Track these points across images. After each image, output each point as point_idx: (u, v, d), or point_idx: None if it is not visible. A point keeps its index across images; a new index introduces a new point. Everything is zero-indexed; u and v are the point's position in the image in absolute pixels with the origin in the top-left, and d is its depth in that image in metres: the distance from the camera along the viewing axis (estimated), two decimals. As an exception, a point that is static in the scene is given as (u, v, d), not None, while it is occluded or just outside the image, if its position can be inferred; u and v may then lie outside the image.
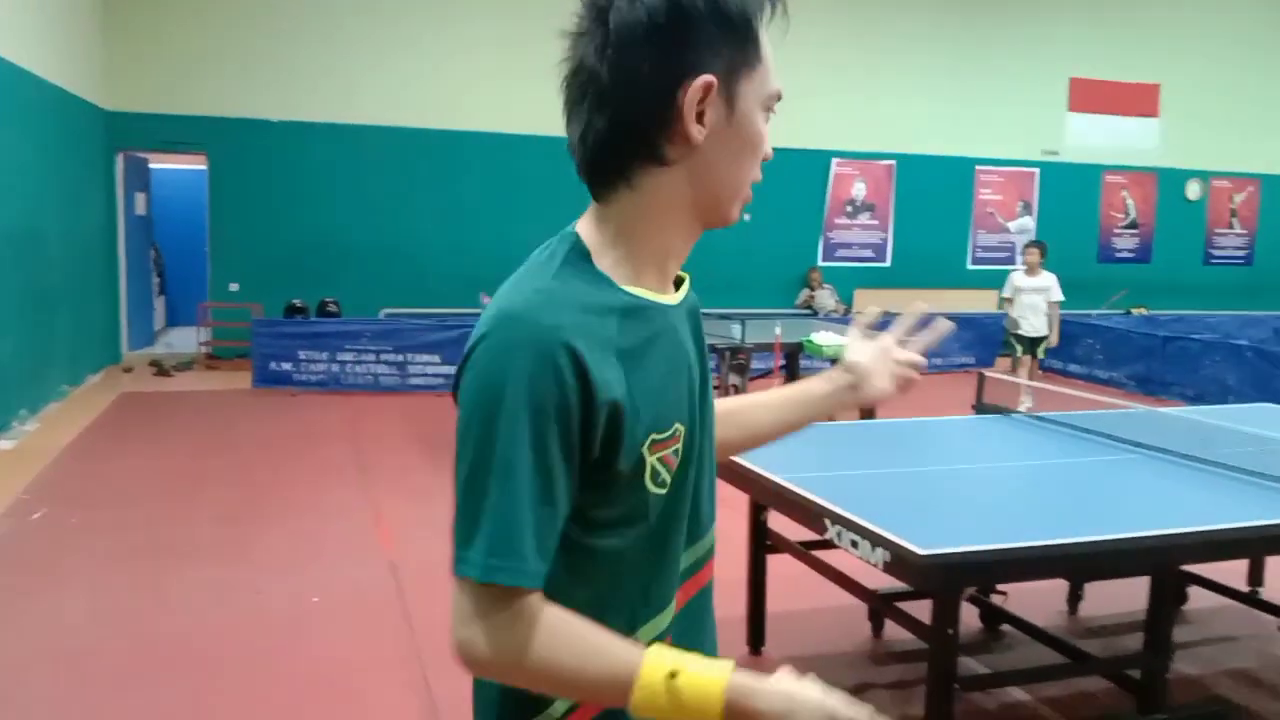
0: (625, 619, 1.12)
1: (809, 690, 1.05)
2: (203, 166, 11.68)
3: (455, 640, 1.04)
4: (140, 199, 12.08)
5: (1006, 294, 9.40)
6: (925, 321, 1.61)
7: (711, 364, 1.48)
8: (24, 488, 6.13)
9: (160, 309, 13.79)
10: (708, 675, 1.03)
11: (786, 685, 1.05)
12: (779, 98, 1.17)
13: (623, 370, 1.06)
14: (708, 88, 1.08)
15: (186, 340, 12.27)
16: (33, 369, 8.12)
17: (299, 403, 9.22)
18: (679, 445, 1.12)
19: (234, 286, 11.58)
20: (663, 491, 1.11)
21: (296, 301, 11.28)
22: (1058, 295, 9.15)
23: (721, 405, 1.42)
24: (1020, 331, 9.30)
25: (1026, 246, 9.62)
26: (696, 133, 1.09)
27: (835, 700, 1.04)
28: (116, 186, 11.26)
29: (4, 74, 7.60)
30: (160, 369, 10.66)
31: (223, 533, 5.42)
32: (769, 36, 1.15)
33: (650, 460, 1.08)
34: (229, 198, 11.47)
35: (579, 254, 1.11)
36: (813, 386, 1.49)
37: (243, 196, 11.45)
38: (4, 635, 4.06)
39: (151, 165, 12.67)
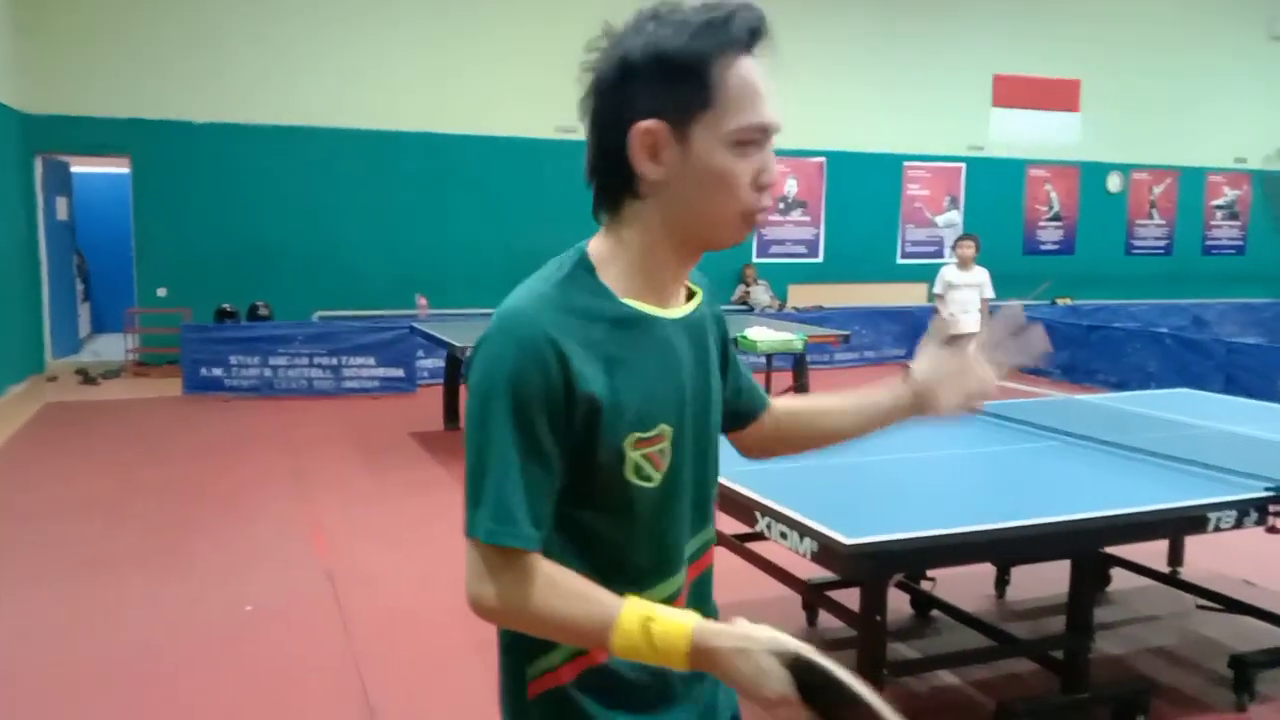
0: (620, 587, 1.24)
1: (762, 629, 1.18)
2: (126, 170, 11.44)
3: (469, 593, 1.22)
4: (61, 203, 11.80)
5: (939, 290, 8.62)
6: (1014, 329, 1.63)
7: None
8: (-56, 502, 5.98)
9: (85, 316, 13.48)
10: (677, 621, 1.18)
11: (743, 627, 1.18)
12: (762, 130, 1.23)
13: (605, 371, 1.22)
14: (646, 133, 1.22)
15: (113, 347, 12.00)
16: (-49, 380, 7.89)
17: (231, 409, 9.08)
18: (665, 445, 1.27)
19: (162, 292, 11.35)
20: (650, 485, 1.26)
21: (227, 306, 11.10)
22: (990, 292, 8.52)
23: (788, 404, 1.61)
24: (955, 331, 7.97)
25: (960, 240, 8.73)
26: (650, 171, 1.23)
27: (785, 637, 1.16)
28: (36, 191, 10.98)
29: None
30: (87, 377, 10.43)
31: (154, 544, 5.33)
32: (751, 70, 1.23)
33: (633, 456, 1.24)
34: (154, 201, 11.23)
35: (583, 267, 1.27)
36: (878, 397, 1.57)
37: (169, 199, 11.22)
38: (-74, 653, 3.96)
39: (73, 169, 12.38)
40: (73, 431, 8.09)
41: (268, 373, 9.71)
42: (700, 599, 1.39)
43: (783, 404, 1.62)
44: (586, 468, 1.23)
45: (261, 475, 6.72)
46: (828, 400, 1.59)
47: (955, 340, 1.65)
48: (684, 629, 1.17)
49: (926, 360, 1.57)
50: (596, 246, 1.29)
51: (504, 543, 1.19)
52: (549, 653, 1.30)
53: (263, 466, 6.95)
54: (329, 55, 11.51)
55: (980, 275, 8.56)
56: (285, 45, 11.38)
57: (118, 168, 12.06)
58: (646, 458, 1.25)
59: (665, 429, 1.26)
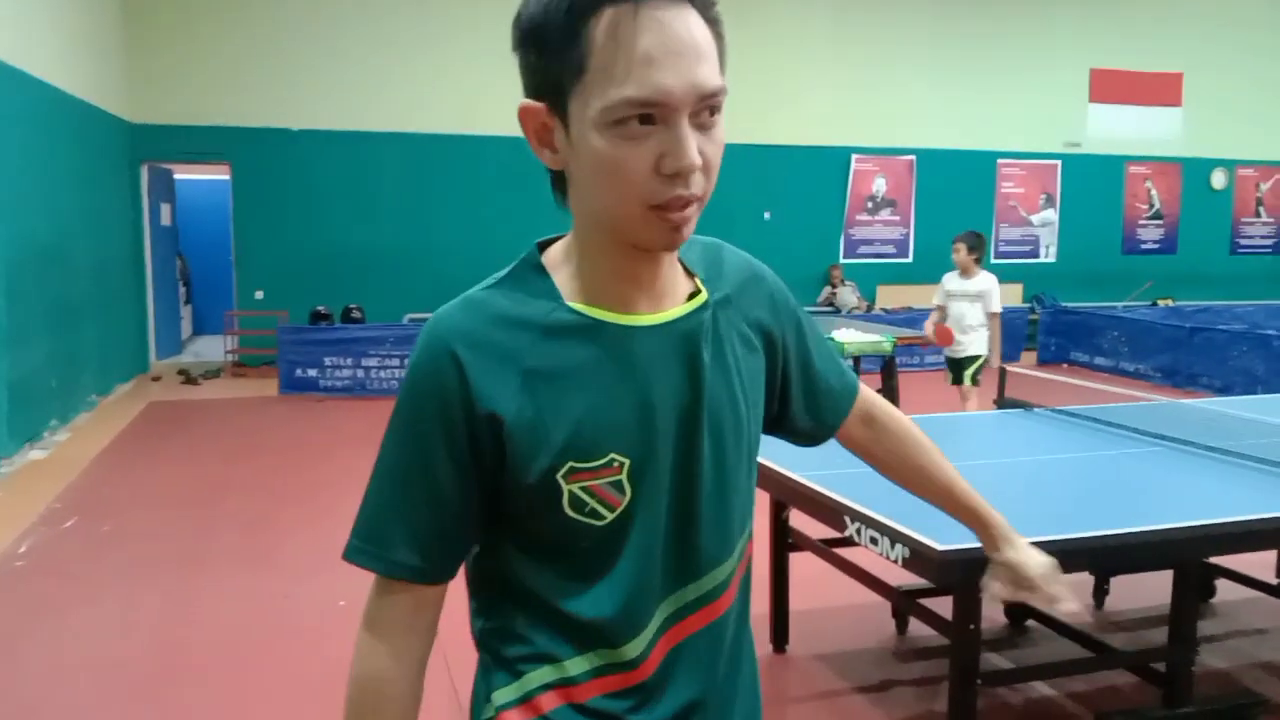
0: (568, 639, 1.11)
1: None
2: (226, 176, 11.80)
3: None
4: (165, 210, 12.22)
5: (937, 300, 7.37)
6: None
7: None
8: (55, 496, 6.22)
9: (187, 318, 13.94)
10: None
11: None
12: (640, 105, 0.96)
13: (522, 386, 1.05)
14: (526, 114, 1.05)
15: (213, 349, 12.39)
16: (63, 380, 8.23)
17: (324, 408, 9.29)
18: (620, 478, 1.07)
19: (259, 294, 11.69)
20: (598, 523, 1.07)
21: (321, 308, 11.37)
22: (995, 305, 7.14)
23: (910, 432, 1.44)
24: (953, 354, 7.27)
25: (955, 241, 7.33)
26: (546, 159, 1.07)
27: None
28: (142, 198, 11.40)
29: (31, 90, 7.71)
30: (188, 377, 10.77)
31: (250, 539, 5.48)
32: (629, 26, 0.96)
33: (569, 489, 1.06)
34: (253, 206, 11.58)
35: (528, 265, 1.12)
36: (969, 507, 1.46)
37: (266, 205, 11.56)
38: (36, 643, 4.13)
39: (176, 176, 12.81)
40: (174, 430, 8.36)
41: (360, 373, 9.91)
42: (689, 666, 1.14)
43: (889, 417, 1.43)
44: (513, 497, 1.08)
45: (353, 474, 6.81)
46: (950, 475, 1.44)
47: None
48: None
49: (1019, 555, 1.47)
50: (559, 243, 1.14)
51: (361, 562, 1.09)
52: (507, 684, 1.15)
53: (354, 465, 7.05)
54: (416, 62, 11.70)
55: (982, 283, 7.16)
56: (376, 54, 11.62)
57: (218, 174, 12.45)
58: (589, 491, 1.06)
59: (618, 459, 1.06)
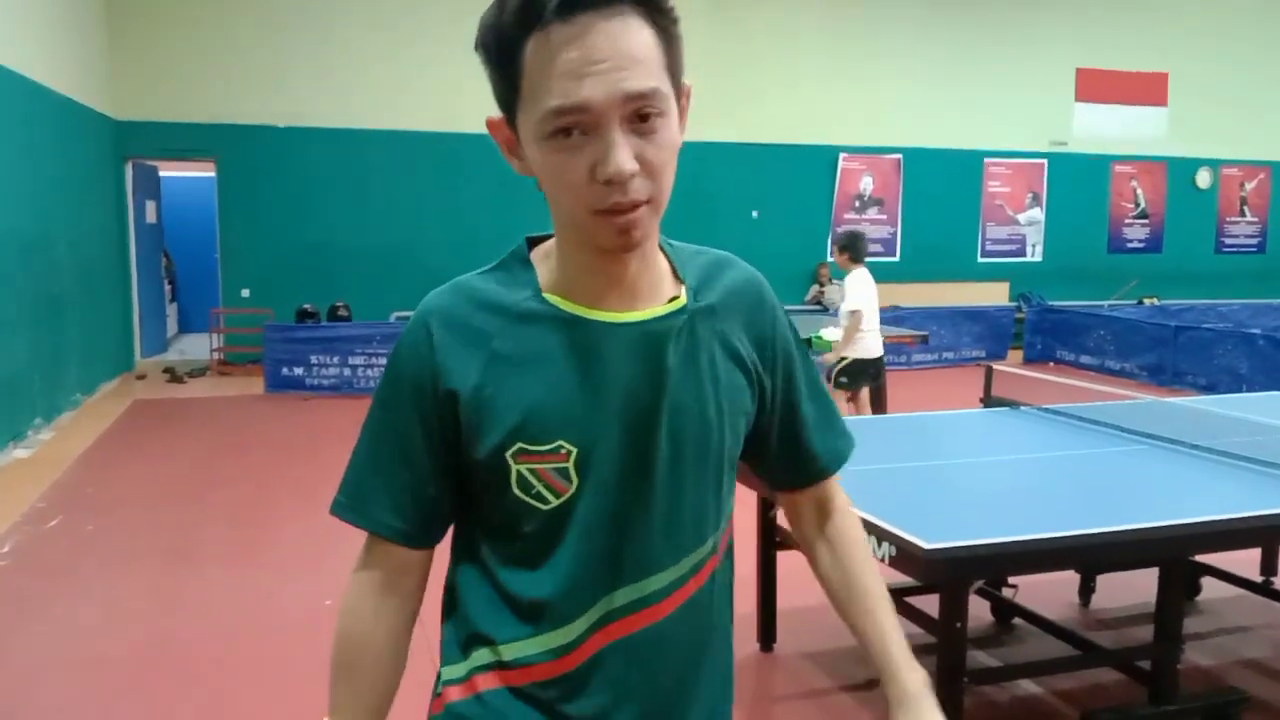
0: (508, 619, 1.15)
1: None
2: (211, 173, 11.74)
3: None
4: (150, 207, 12.15)
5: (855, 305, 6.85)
6: None
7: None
8: (40, 495, 6.18)
9: (173, 316, 13.88)
10: None
11: None
12: (564, 113, 1.00)
13: (486, 366, 1.10)
14: (491, 127, 1.12)
15: (199, 347, 12.34)
16: (47, 377, 8.17)
17: (311, 407, 9.26)
18: (566, 465, 1.10)
19: (245, 292, 11.64)
20: (544, 506, 1.11)
21: (307, 306, 11.32)
22: (849, 302, 6.95)
23: (840, 531, 1.34)
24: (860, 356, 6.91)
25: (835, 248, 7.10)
26: (517, 167, 1.12)
27: None
28: (127, 195, 11.34)
29: (13, 86, 7.66)
30: (173, 375, 10.72)
31: (236, 537, 5.45)
32: (555, 44, 1.00)
33: (516, 468, 1.10)
34: (238, 204, 11.53)
35: (516, 256, 1.18)
36: (883, 656, 1.29)
37: (252, 202, 11.51)
38: (20, 640, 4.10)
39: (161, 173, 12.75)
40: (159, 427, 8.31)
41: (347, 372, 9.88)
42: (625, 667, 1.14)
43: (825, 521, 1.34)
44: (469, 474, 1.14)
45: (339, 472, 6.79)
46: (880, 617, 1.30)
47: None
48: None
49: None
50: (549, 240, 1.18)
51: (346, 517, 1.18)
52: (454, 662, 1.20)
53: (341, 463, 7.01)
54: (402, 59, 11.67)
55: (847, 282, 7.04)
56: (362, 52, 11.58)
57: (204, 171, 12.39)
58: (535, 473, 1.10)
59: (566, 447, 1.09)
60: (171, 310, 13.79)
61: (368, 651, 1.19)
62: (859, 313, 6.78)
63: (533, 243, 1.20)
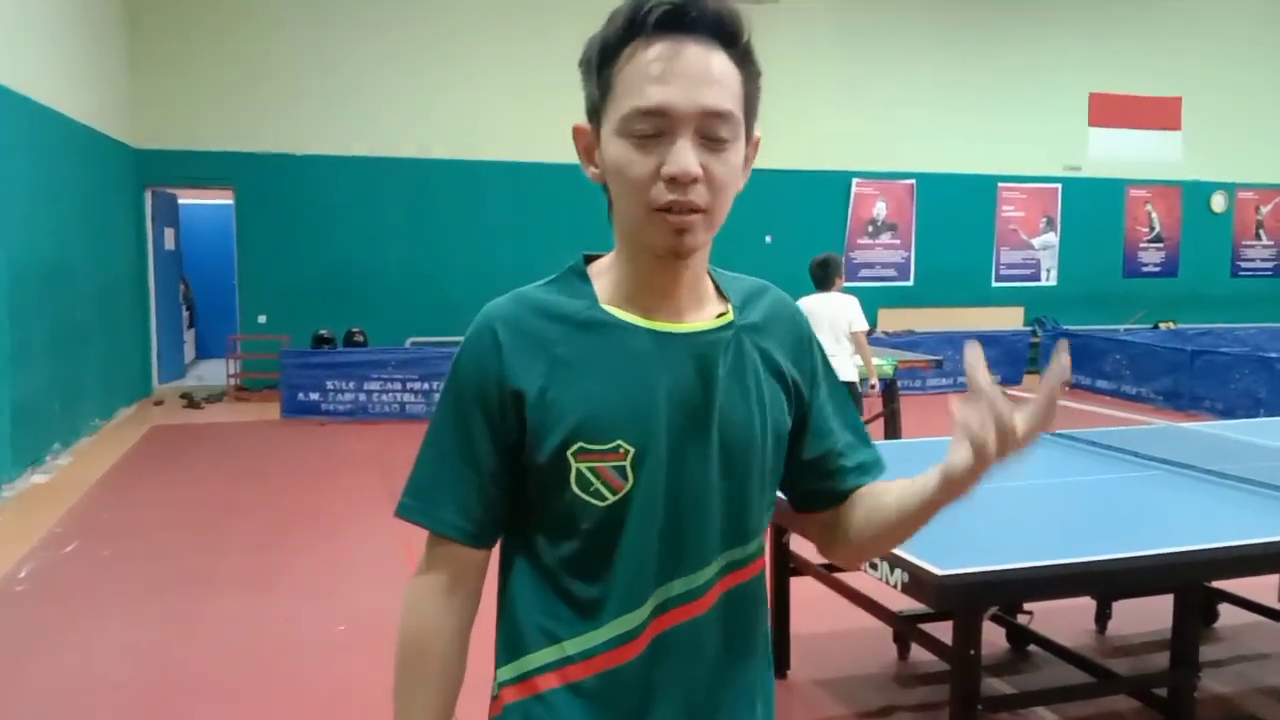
0: (569, 616, 1.20)
1: None
2: (230, 201, 11.85)
3: None
4: (169, 234, 12.26)
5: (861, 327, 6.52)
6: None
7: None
8: (57, 520, 6.22)
9: (190, 342, 13.96)
10: None
11: None
12: (645, 113, 1.10)
13: (547, 370, 1.17)
14: (576, 134, 1.22)
15: (216, 372, 12.40)
16: (65, 403, 8.24)
17: (327, 432, 9.30)
18: (624, 464, 1.16)
19: (262, 318, 11.72)
20: (601, 504, 1.17)
21: (324, 332, 11.39)
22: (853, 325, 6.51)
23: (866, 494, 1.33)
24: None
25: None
26: (588, 173, 1.22)
27: None
28: (146, 222, 11.45)
29: (36, 115, 7.76)
30: (190, 401, 10.78)
31: (252, 562, 5.47)
32: (651, 53, 1.11)
33: (577, 465, 1.16)
34: (256, 231, 11.63)
35: (574, 271, 1.26)
36: (939, 468, 1.21)
37: (269, 229, 11.61)
38: (37, 666, 4.12)
39: (180, 201, 12.87)
40: (176, 453, 8.36)
41: (362, 397, 9.92)
42: (669, 658, 1.21)
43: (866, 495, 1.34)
44: (531, 471, 1.19)
45: (355, 497, 6.85)
46: (893, 484, 1.30)
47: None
48: None
49: (962, 411, 1.13)
50: (605, 257, 1.27)
51: (413, 518, 1.22)
52: (511, 660, 1.24)
53: (356, 489, 7.10)
54: (418, 88, 11.78)
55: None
56: (379, 81, 11.69)
57: (222, 199, 12.51)
58: (595, 471, 1.17)
59: (624, 446, 1.17)
60: (189, 336, 13.88)
61: (434, 651, 1.23)
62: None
63: (589, 260, 1.28)
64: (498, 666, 1.26)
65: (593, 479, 1.17)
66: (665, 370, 1.19)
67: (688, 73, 1.10)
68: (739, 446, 1.22)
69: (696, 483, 1.20)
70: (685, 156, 1.10)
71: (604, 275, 1.24)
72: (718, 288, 1.29)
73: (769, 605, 3.50)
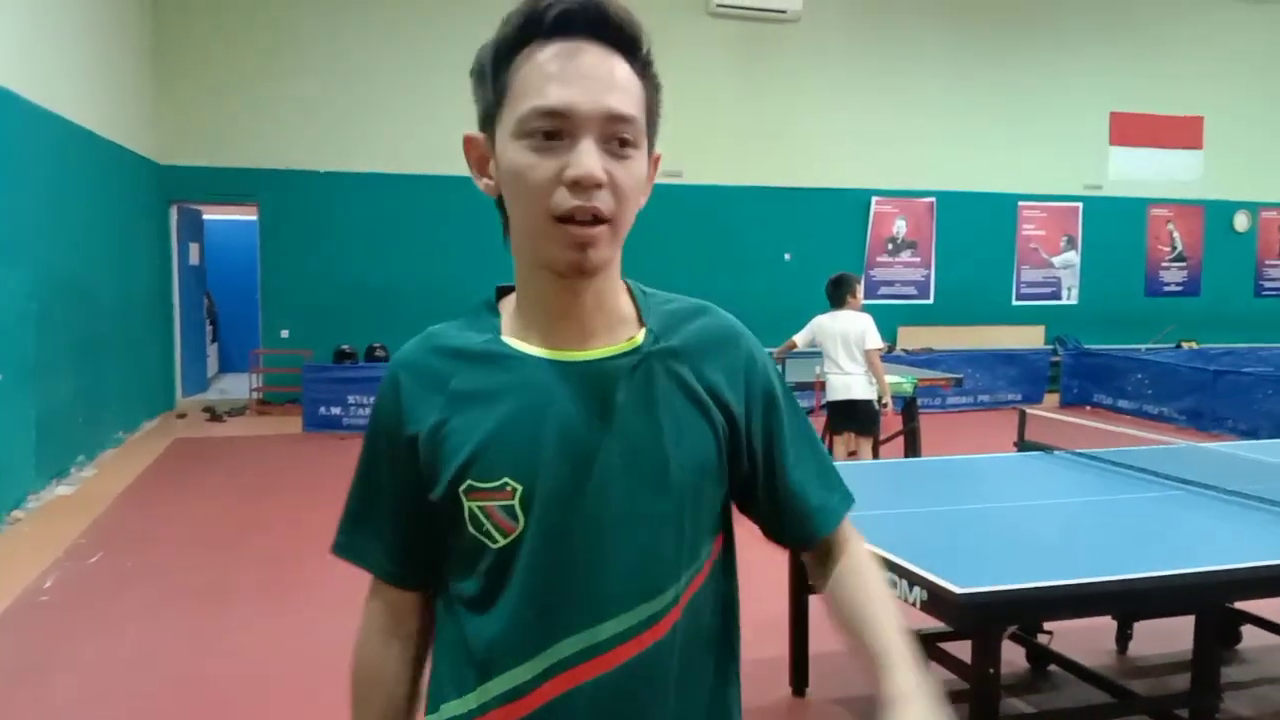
0: (465, 666, 1.14)
1: None
2: (254, 216, 11.96)
3: None
4: (194, 249, 12.38)
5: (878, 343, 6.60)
6: None
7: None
8: (81, 532, 6.28)
9: (213, 356, 14.07)
10: None
11: None
12: (545, 114, 1.04)
13: (444, 406, 1.13)
14: (467, 144, 1.17)
15: (239, 386, 12.50)
16: (90, 416, 8.32)
17: (348, 446, 9.33)
18: (512, 503, 1.09)
19: (285, 333, 11.80)
20: (493, 545, 1.11)
21: (345, 347, 11.46)
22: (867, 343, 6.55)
23: (847, 576, 1.26)
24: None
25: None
26: (481, 186, 1.17)
27: None
28: (171, 237, 11.57)
29: (62, 132, 7.87)
30: (213, 415, 10.86)
31: (272, 576, 5.51)
32: (547, 55, 1.06)
33: (468, 504, 1.11)
34: (279, 246, 11.72)
35: (483, 302, 1.22)
36: (877, 663, 1.20)
37: (292, 245, 11.70)
38: (58, 675, 4.16)
39: (204, 216, 12.99)
40: (199, 466, 8.42)
41: (383, 412, 9.95)
42: (589, 716, 1.10)
43: (842, 572, 1.27)
44: (434, 512, 1.14)
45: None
46: (877, 627, 1.23)
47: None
48: None
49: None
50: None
51: (347, 557, 1.23)
52: (429, 714, 1.20)
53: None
54: (441, 108, 11.85)
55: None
56: (401, 99, 11.79)
57: (246, 215, 12.62)
58: (485, 512, 1.10)
59: (511, 484, 1.09)
60: (212, 350, 13.99)
61: (379, 692, 1.22)
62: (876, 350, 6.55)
63: (503, 292, 1.23)
64: (426, 715, 1.21)
65: (483, 519, 1.11)
66: (559, 402, 1.10)
67: (590, 74, 1.05)
68: (644, 486, 1.11)
69: (593, 527, 1.10)
70: (590, 158, 1.03)
71: (510, 302, 1.20)
72: (639, 310, 1.18)
73: (788, 623, 3.41)
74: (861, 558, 1.29)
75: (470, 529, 1.12)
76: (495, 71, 1.10)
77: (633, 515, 1.11)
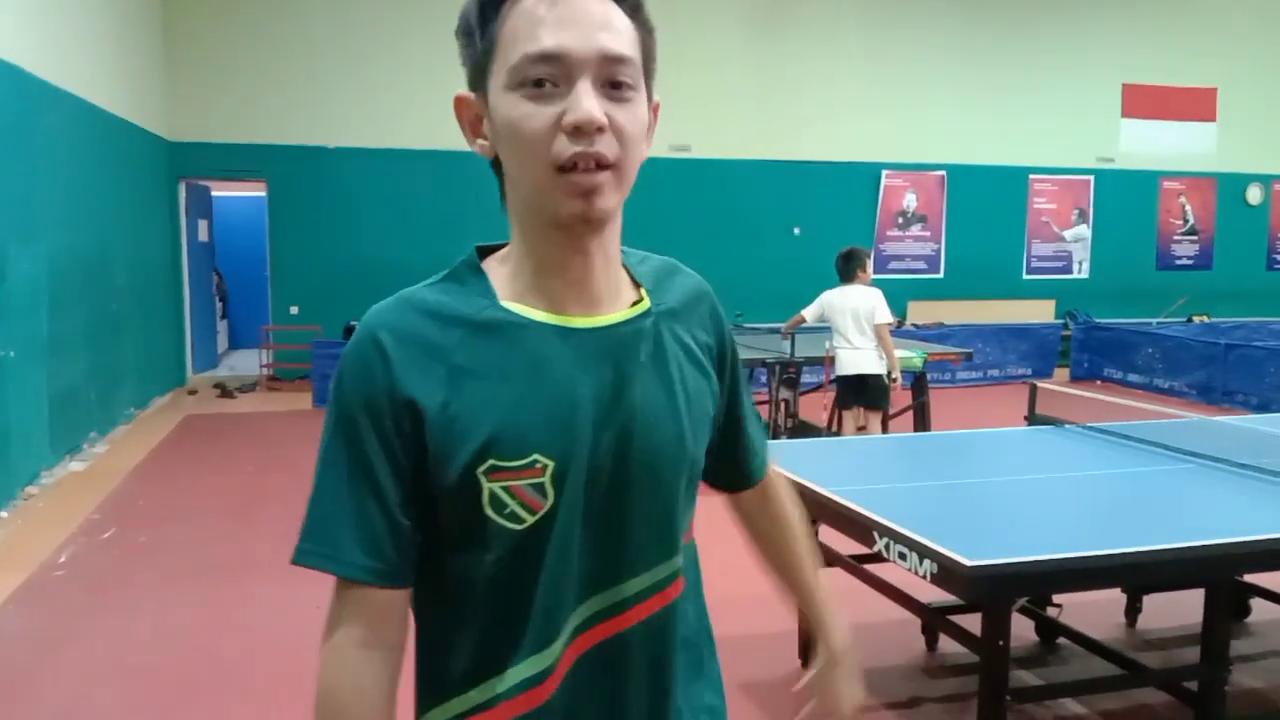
0: (483, 656, 1.09)
1: None
2: (263, 193, 11.96)
3: None
4: (203, 226, 12.39)
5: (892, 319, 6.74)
6: None
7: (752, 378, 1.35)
8: (94, 507, 6.32)
9: (223, 332, 14.11)
10: None
11: None
12: (539, 58, 1.01)
13: (445, 380, 1.04)
14: (459, 105, 1.12)
15: (249, 363, 12.53)
16: (102, 393, 8.36)
17: (357, 422, 9.36)
18: (542, 480, 1.04)
19: (294, 309, 11.83)
20: (518, 526, 1.05)
21: (355, 323, 11.39)
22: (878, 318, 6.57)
23: (768, 507, 1.41)
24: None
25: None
26: (476, 147, 1.12)
27: None
28: (180, 214, 11.58)
29: (71, 108, 7.87)
30: (224, 391, 10.90)
31: (284, 549, 5.43)
32: (536, 2, 1.03)
33: (489, 486, 1.03)
34: (288, 223, 11.73)
35: (467, 265, 1.14)
36: (825, 641, 1.49)
37: (301, 221, 11.71)
38: (74, 650, 4.20)
39: (214, 193, 13.00)
40: (210, 442, 8.47)
41: (392, 388, 9.98)
42: (592, 682, 1.10)
43: (764, 503, 1.41)
44: (436, 495, 1.06)
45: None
46: (802, 555, 1.44)
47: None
48: None
49: (837, 684, 1.52)
50: (502, 249, 1.16)
51: (311, 564, 1.08)
52: (431, 709, 1.14)
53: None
54: (446, 80, 11.70)
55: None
56: (407, 72, 11.74)
57: (255, 191, 12.62)
58: (509, 491, 1.03)
59: (542, 461, 1.04)
60: (222, 327, 14.02)
61: (355, 714, 1.07)
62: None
63: (483, 253, 1.17)
64: (418, 713, 1.15)
65: (508, 500, 1.04)
66: (581, 372, 1.07)
67: (581, 18, 1.01)
68: (666, 448, 1.11)
69: (622, 492, 1.09)
70: (589, 100, 1.00)
71: (501, 268, 1.12)
72: (628, 270, 1.17)
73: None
74: (782, 490, 1.43)
75: (489, 511, 1.04)
76: (483, 25, 1.05)
77: (656, 478, 1.11)
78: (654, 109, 1.11)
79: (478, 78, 1.08)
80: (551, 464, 1.04)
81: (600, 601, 1.10)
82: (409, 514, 1.06)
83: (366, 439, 1.05)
